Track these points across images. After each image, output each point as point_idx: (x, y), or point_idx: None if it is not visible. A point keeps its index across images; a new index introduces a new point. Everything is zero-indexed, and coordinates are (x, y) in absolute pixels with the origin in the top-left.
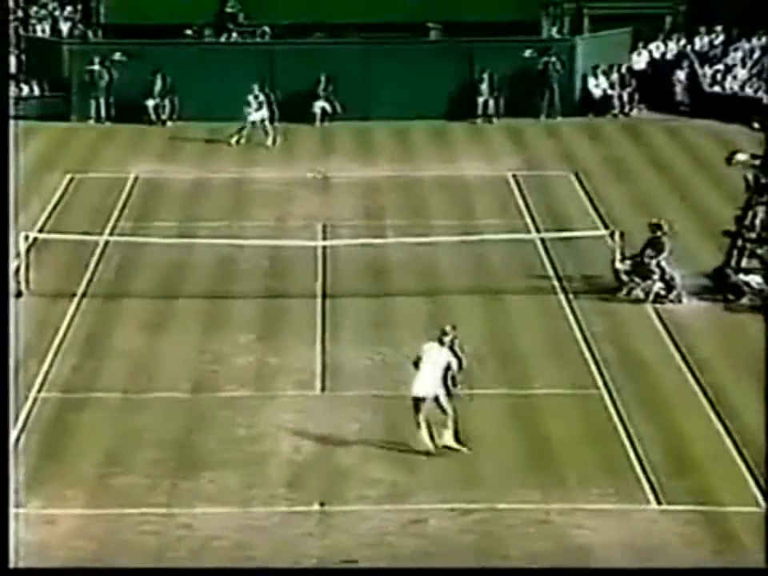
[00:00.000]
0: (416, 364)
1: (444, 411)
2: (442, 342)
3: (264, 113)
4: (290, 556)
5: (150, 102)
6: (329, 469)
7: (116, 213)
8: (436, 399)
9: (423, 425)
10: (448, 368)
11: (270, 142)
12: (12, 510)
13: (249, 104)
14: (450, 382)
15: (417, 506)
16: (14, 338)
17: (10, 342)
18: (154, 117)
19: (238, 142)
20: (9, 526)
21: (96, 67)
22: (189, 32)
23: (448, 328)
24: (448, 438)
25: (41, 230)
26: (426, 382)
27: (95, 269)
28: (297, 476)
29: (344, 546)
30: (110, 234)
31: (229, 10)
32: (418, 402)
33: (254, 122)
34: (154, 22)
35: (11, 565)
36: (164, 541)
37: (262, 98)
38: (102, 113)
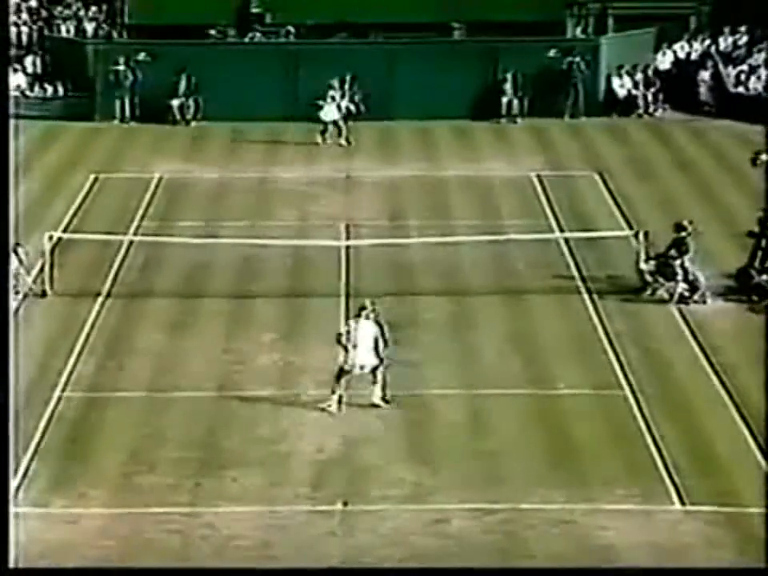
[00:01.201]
0: (338, 340)
1: (375, 379)
2: (366, 317)
3: (335, 111)
4: (312, 555)
5: (175, 102)
6: (352, 468)
7: (140, 213)
8: (371, 369)
9: (338, 393)
10: (376, 339)
11: (343, 140)
12: (35, 510)
13: (326, 102)
14: (380, 350)
15: (439, 506)
16: (38, 338)
17: (35, 342)
18: (178, 117)
19: (324, 140)
20: (9, 526)
21: (120, 67)
22: (213, 32)
23: (368, 303)
24: (376, 399)
25: (65, 230)
26: (360, 357)
27: (119, 269)
28: (320, 475)
29: (366, 545)
30: (134, 234)
31: (253, 9)
32: (343, 372)
33: (332, 121)
34: (178, 22)
35: (11, 565)
36: (187, 540)
37: (338, 96)
38: (127, 113)
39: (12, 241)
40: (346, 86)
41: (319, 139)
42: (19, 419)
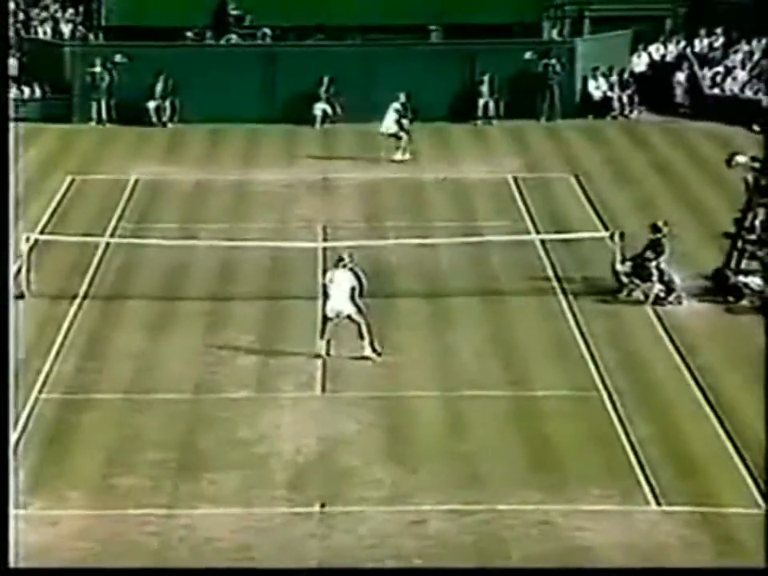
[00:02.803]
0: (324, 292)
1: (357, 323)
2: (343, 266)
3: (393, 125)
4: (291, 557)
5: (152, 104)
6: (330, 470)
7: (117, 214)
8: (348, 317)
9: (326, 337)
10: (353, 288)
11: (398, 155)
12: (13, 512)
13: (388, 115)
14: (357, 298)
15: (418, 507)
16: (16, 339)
17: (12, 343)
18: (155, 119)
19: (386, 153)
20: (9, 526)
21: (97, 69)
22: (190, 34)
23: (345, 254)
24: (367, 350)
25: (42, 232)
26: (338, 303)
27: (97, 270)
28: (298, 477)
29: (345, 547)
30: (112, 236)
31: (231, 11)
32: (327, 320)
33: (392, 134)
34: (155, 24)
35: (11, 565)
36: (165, 542)
37: (401, 109)
38: (104, 115)
39: None
40: (322, 89)
41: (397, 155)
42: None
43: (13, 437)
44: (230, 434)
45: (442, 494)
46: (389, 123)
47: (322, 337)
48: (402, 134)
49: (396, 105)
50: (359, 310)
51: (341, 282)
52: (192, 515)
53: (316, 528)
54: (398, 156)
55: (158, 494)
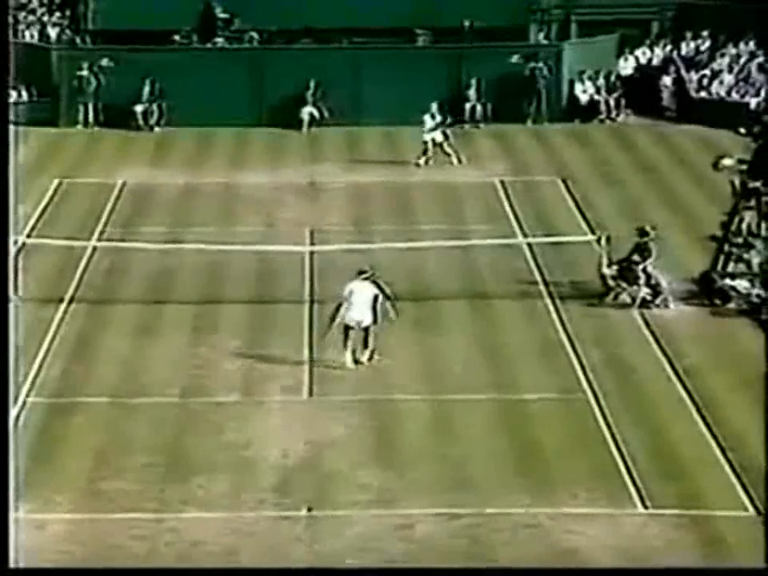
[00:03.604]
0: (339, 305)
1: (367, 337)
2: (365, 278)
3: (438, 134)
4: (278, 561)
5: (138, 108)
6: (317, 474)
7: (104, 218)
8: (365, 328)
9: (350, 347)
10: (375, 298)
11: (455, 161)
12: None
13: (425, 123)
14: (380, 310)
15: (405, 511)
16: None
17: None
18: (142, 122)
19: (426, 162)
20: (9, 527)
21: (84, 73)
22: (177, 38)
23: (366, 267)
24: (364, 358)
25: (29, 235)
26: (359, 313)
27: (83, 274)
28: (285, 481)
29: (332, 551)
30: (99, 239)
31: (220, 15)
32: (349, 329)
33: (432, 142)
34: (141, 28)
35: (11, 565)
36: (152, 546)
37: (438, 117)
38: (90, 118)
39: None
40: (309, 92)
41: (421, 160)
42: None
43: None
44: (217, 438)
45: (430, 497)
46: (425, 131)
47: (345, 347)
48: (444, 144)
49: (426, 116)
50: (375, 323)
51: (362, 292)
52: (179, 519)
53: (303, 532)
54: (454, 161)
55: (145, 498)
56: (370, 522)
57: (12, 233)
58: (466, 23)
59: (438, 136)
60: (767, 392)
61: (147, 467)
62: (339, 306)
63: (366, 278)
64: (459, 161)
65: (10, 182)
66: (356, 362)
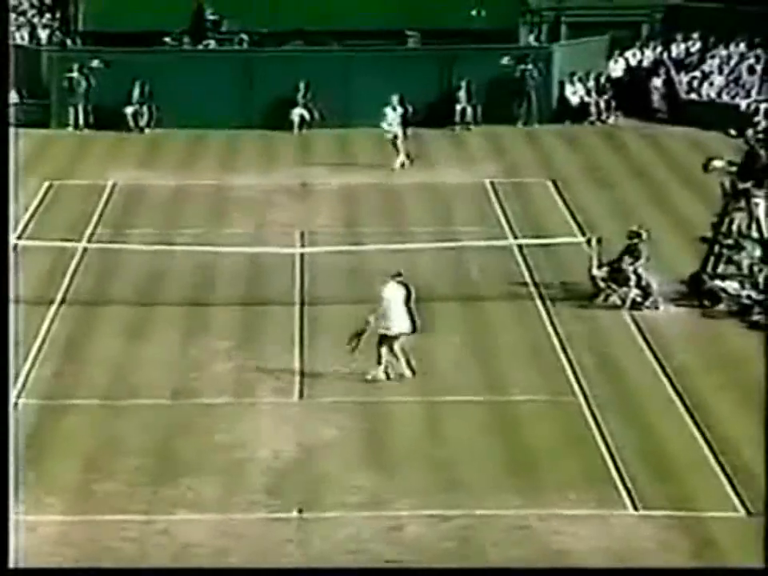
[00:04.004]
0: (377, 309)
1: (402, 345)
2: (399, 282)
3: (398, 128)
4: (269, 563)
5: (129, 109)
6: (308, 475)
7: (95, 219)
8: (401, 336)
9: (384, 360)
10: (408, 304)
11: (399, 162)
12: None
13: (386, 116)
14: (412, 313)
15: (396, 513)
16: None
17: None
18: (132, 124)
19: (402, 165)
20: (9, 527)
21: (75, 74)
22: (167, 39)
23: (401, 269)
24: (404, 369)
25: (20, 237)
26: (400, 322)
27: (74, 275)
28: (276, 483)
29: (323, 552)
30: (89, 241)
31: (208, 17)
32: (387, 338)
33: (394, 138)
34: (132, 30)
35: (11, 565)
36: (143, 548)
37: (400, 110)
38: (81, 120)
39: None
40: (300, 94)
41: (397, 163)
42: None
43: None
44: (208, 440)
45: (420, 499)
46: (386, 126)
47: (379, 359)
48: (397, 141)
49: (387, 109)
50: (415, 329)
51: (398, 298)
52: (170, 521)
53: (294, 534)
54: (396, 164)
55: (136, 500)
56: (360, 524)
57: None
58: (473, 12)
59: (398, 130)
60: None
61: (138, 469)
62: (373, 313)
63: (400, 282)
64: (402, 165)
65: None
66: (388, 376)
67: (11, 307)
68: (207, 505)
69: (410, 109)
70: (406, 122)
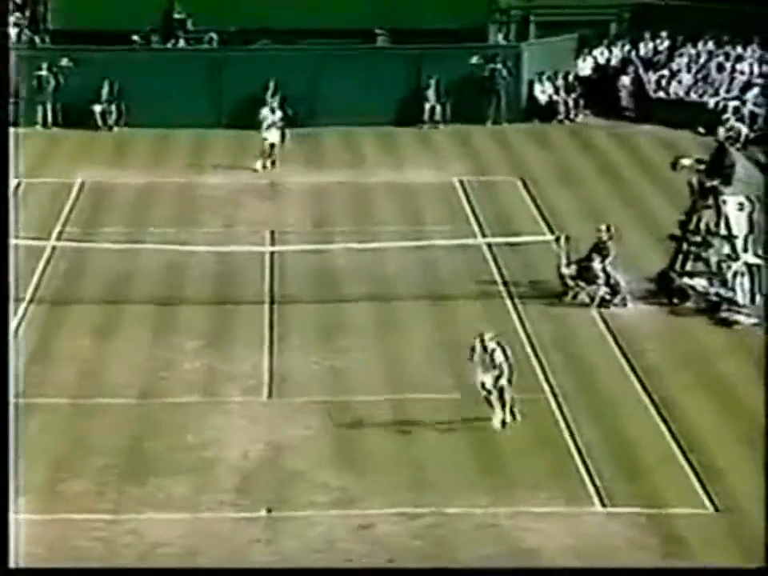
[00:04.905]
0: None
1: (499, 402)
2: (491, 340)
3: (275, 132)
4: (238, 562)
5: (97, 108)
6: (277, 474)
7: (63, 218)
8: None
9: (497, 410)
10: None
11: (258, 164)
12: None
13: (264, 118)
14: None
15: (366, 511)
16: None
17: None
18: (101, 122)
19: (264, 166)
20: (9, 527)
21: (43, 73)
22: (136, 38)
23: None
24: (496, 422)
25: None
26: (485, 376)
27: (43, 274)
28: (245, 482)
29: (292, 551)
30: (57, 240)
31: (176, 16)
32: (484, 390)
33: (270, 141)
34: (101, 28)
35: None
36: (111, 547)
37: (279, 113)
38: (50, 118)
39: None
40: (269, 93)
41: (258, 164)
42: None
43: None
44: (176, 439)
45: (390, 497)
46: (273, 132)
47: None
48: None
49: (265, 110)
50: (509, 386)
51: (487, 355)
52: (139, 520)
53: (263, 533)
54: (257, 165)
55: (104, 500)
56: (330, 523)
57: None
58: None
59: (275, 135)
60: (767, 389)
61: (106, 468)
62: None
63: (492, 339)
64: (264, 166)
65: None
66: (503, 423)
67: None
68: (176, 504)
69: (290, 112)
70: (283, 127)
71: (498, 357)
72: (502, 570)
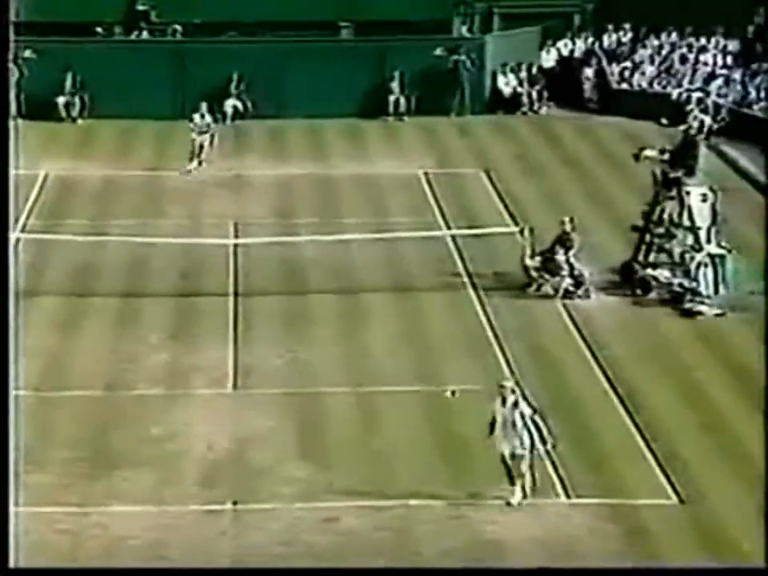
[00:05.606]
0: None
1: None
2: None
3: (206, 136)
4: (203, 555)
5: (61, 100)
6: (242, 467)
7: (26, 210)
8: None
9: (518, 482)
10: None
11: (189, 166)
12: None
13: (195, 123)
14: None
15: (330, 504)
16: None
17: None
18: (64, 114)
19: (199, 164)
20: (9, 526)
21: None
22: (99, 29)
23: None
24: (516, 499)
25: None
26: (508, 441)
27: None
28: (210, 474)
29: (258, 544)
30: (21, 232)
31: (140, 7)
32: (505, 459)
33: (200, 143)
34: (64, 20)
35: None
36: (77, 540)
37: (208, 118)
38: (13, 110)
39: None
40: (233, 85)
41: (191, 165)
42: None
43: None
44: (141, 432)
45: (355, 490)
46: (195, 132)
47: (513, 483)
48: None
49: (196, 116)
50: (531, 453)
51: (507, 417)
52: (104, 513)
53: (228, 526)
54: (188, 166)
55: (69, 492)
56: (295, 516)
57: None
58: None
59: (205, 138)
60: (767, 385)
61: (71, 461)
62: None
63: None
64: (188, 171)
65: None
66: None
67: None
68: (141, 497)
69: (217, 117)
70: (212, 132)
71: (525, 413)
72: (502, 570)
